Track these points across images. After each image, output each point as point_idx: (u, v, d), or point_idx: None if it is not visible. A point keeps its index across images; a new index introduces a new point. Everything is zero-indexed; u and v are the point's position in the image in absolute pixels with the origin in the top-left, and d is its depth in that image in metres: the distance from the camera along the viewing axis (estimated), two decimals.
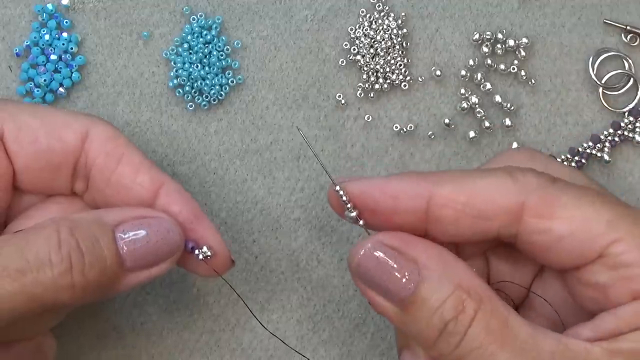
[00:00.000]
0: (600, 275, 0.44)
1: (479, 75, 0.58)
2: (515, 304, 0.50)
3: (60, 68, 0.58)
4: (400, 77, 0.58)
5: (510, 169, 0.46)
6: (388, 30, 0.58)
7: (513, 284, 0.49)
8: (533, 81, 0.58)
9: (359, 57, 0.58)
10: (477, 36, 0.58)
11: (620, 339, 0.43)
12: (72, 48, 0.58)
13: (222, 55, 0.59)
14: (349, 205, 0.46)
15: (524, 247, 0.46)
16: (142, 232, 0.46)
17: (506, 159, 0.49)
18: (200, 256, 0.49)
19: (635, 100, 0.58)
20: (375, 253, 0.45)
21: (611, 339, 0.43)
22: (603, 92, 0.58)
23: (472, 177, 0.46)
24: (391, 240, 0.45)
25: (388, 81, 0.58)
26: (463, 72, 0.58)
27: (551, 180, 0.46)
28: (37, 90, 0.58)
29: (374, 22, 0.59)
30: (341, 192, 0.46)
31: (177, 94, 0.58)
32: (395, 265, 0.44)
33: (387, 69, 0.58)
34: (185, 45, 0.58)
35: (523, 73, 0.58)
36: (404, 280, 0.44)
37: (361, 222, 0.47)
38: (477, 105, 0.58)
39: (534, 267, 0.50)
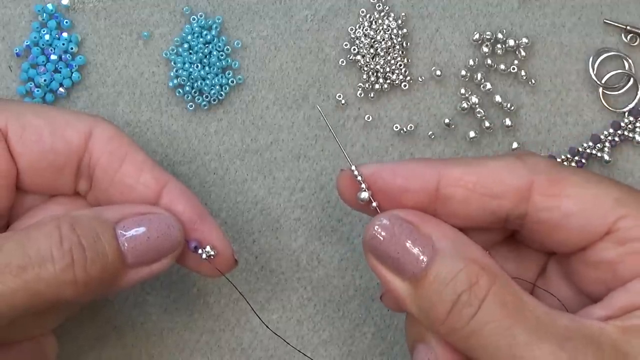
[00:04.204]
0: (608, 252, 0.45)
1: (479, 75, 0.58)
2: None
3: (61, 68, 0.58)
4: (400, 77, 0.58)
5: (518, 153, 0.47)
6: (388, 30, 0.58)
7: (517, 280, 0.49)
8: (533, 81, 0.58)
9: (359, 57, 0.58)
10: (477, 36, 0.58)
11: (633, 315, 0.43)
12: (72, 48, 0.58)
13: (222, 55, 0.59)
14: (363, 185, 0.47)
15: (532, 227, 0.46)
16: (142, 229, 0.47)
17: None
18: (204, 255, 0.49)
19: (635, 100, 0.58)
20: (390, 226, 0.45)
21: (623, 316, 0.44)
22: (603, 92, 0.58)
23: (481, 160, 0.47)
24: (407, 215, 0.46)
25: (388, 81, 0.58)
26: (463, 72, 0.58)
27: (558, 163, 0.46)
28: (37, 90, 0.58)
29: (374, 22, 0.59)
30: (356, 172, 0.47)
31: (177, 94, 0.58)
32: (409, 239, 0.45)
33: (387, 69, 0.58)
34: (186, 45, 0.58)
35: (523, 73, 0.58)
36: (417, 254, 0.44)
37: (374, 204, 0.47)
38: (477, 105, 0.58)
39: (537, 265, 0.50)
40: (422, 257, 0.44)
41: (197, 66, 0.58)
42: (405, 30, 0.59)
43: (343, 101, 0.58)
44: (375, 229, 0.46)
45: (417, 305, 0.45)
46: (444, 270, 0.44)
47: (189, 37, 0.58)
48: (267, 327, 0.56)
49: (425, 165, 0.47)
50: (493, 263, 0.45)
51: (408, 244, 0.45)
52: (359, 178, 0.47)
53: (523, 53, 0.58)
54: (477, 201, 0.46)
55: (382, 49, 0.58)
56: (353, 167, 0.47)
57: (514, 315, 0.43)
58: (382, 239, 0.45)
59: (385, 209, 0.47)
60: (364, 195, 0.47)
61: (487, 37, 0.58)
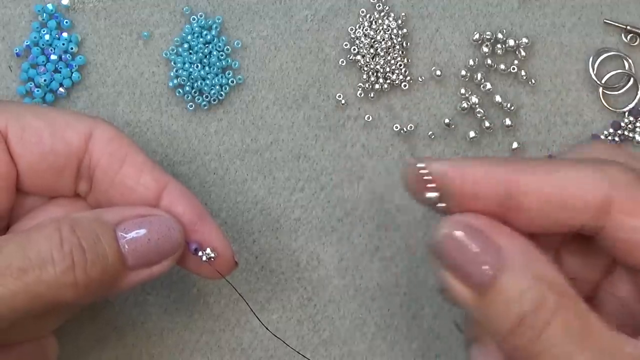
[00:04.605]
0: None
1: (479, 75, 0.58)
2: None
3: (61, 68, 0.58)
4: (401, 77, 0.58)
5: (597, 161, 0.44)
6: (388, 30, 0.58)
7: (579, 282, 0.47)
8: (533, 81, 0.58)
9: (359, 57, 0.58)
10: (477, 36, 0.58)
11: None
12: (72, 48, 0.58)
13: (222, 55, 0.59)
14: (431, 186, 0.43)
15: (607, 243, 0.44)
16: (143, 230, 0.46)
17: (588, 152, 0.48)
18: (204, 258, 0.49)
19: (635, 100, 0.58)
20: (458, 233, 0.43)
21: None
22: (603, 92, 0.58)
23: (558, 166, 0.44)
24: (476, 222, 0.43)
25: (388, 81, 0.58)
26: (463, 72, 0.58)
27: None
28: (37, 90, 0.58)
29: (374, 22, 0.59)
30: (426, 171, 0.43)
31: (177, 94, 0.58)
32: (478, 249, 0.42)
33: (387, 69, 0.58)
34: (186, 45, 0.58)
35: (523, 73, 0.58)
36: (485, 265, 0.42)
37: (442, 205, 0.44)
38: (477, 105, 0.58)
39: (605, 264, 0.48)
40: (489, 270, 0.42)
41: (197, 66, 0.58)
42: (405, 30, 0.59)
43: (343, 101, 0.58)
44: (443, 233, 0.43)
45: (479, 314, 0.43)
46: (511, 287, 0.42)
47: (189, 37, 0.58)
48: (266, 328, 0.56)
49: (498, 168, 0.44)
50: (563, 282, 0.42)
51: (476, 255, 0.42)
52: (428, 178, 0.43)
53: (523, 53, 0.58)
54: (552, 213, 0.43)
55: (382, 49, 0.58)
56: (421, 165, 0.43)
57: (578, 342, 0.41)
58: (449, 245, 0.43)
59: (454, 209, 0.44)
60: (432, 195, 0.44)
61: (487, 37, 0.58)
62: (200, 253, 0.49)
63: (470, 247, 0.43)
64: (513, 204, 0.43)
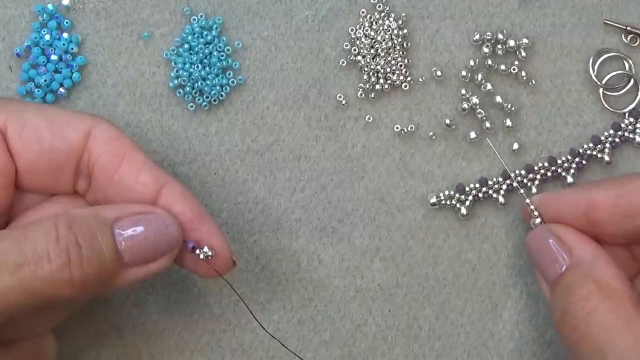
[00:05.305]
0: None
1: (480, 76, 0.58)
2: None
3: (61, 68, 0.58)
4: (401, 77, 0.58)
5: None
6: (388, 31, 0.58)
7: None
8: (534, 82, 0.58)
9: (359, 57, 0.58)
10: (477, 37, 0.58)
11: None
12: (72, 48, 0.58)
13: (222, 56, 0.59)
14: (535, 213, 0.54)
15: None
16: (140, 228, 0.46)
17: None
18: (201, 256, 0.49)
19: (636, 101, 0.58)
20: (539, 238, 0.53)
21: None
22: (603, 92, 0.58)
23: (622, 180, 0.51)
24: (556, 230, 0.52)
25: (389, 82, 0.58)
26: (464, 73, 0.58)
27: None
28: (38, 91, 0.58)
29: (374, 23, 0.59)
30: (532, 207, 0.54)
31: (178, 95, 0.58)
32: (552, 250, 0.51)
33: (388, 70, 0.58)
34: (186, 46, 0.58)
35: (524, 73, 0.58)
36: (554, 264, 0.51)
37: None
38: (477, 106, 0.58)
39: None
40: (557, 268, 0.50)
41: (198, 66, 0.58)
42: (405, 31, 0.59)
43: (344, 102, 0.58)
44: (529, 237, 0.53)
45: (550, 306, 0.51)
46: (567, 282, 0.49)
47: (190, 37, 0.59)
48: (264, 329, 0.56)
49: (577, 193, 0.52)
50: (617, 285, 0.48)
51: (550, 254, 0.51)
52: (532, 207, 0.54)
53: (523, 54, 0.58)
54: (618, 222, 0.51)
55: (382, 50, 0.58)
56: (527, 201, 0.55)
57: (610, 338, 0.46)
58: (532, 246, 0.53)
59: None
60: (535, 221, 0.54)
61: (488, 37, 0.58)
62: (197, 251, 0.49)
63: (544, 250, 0.52)
64: (592, 219, 0.51)
